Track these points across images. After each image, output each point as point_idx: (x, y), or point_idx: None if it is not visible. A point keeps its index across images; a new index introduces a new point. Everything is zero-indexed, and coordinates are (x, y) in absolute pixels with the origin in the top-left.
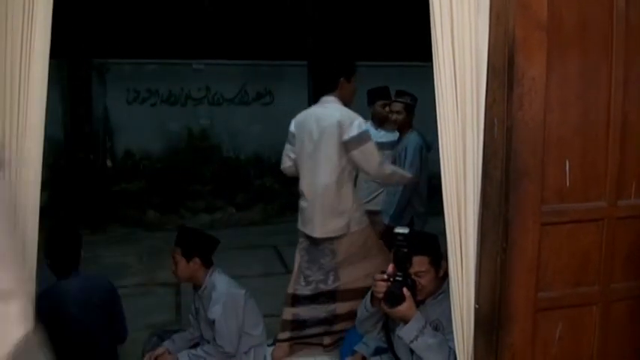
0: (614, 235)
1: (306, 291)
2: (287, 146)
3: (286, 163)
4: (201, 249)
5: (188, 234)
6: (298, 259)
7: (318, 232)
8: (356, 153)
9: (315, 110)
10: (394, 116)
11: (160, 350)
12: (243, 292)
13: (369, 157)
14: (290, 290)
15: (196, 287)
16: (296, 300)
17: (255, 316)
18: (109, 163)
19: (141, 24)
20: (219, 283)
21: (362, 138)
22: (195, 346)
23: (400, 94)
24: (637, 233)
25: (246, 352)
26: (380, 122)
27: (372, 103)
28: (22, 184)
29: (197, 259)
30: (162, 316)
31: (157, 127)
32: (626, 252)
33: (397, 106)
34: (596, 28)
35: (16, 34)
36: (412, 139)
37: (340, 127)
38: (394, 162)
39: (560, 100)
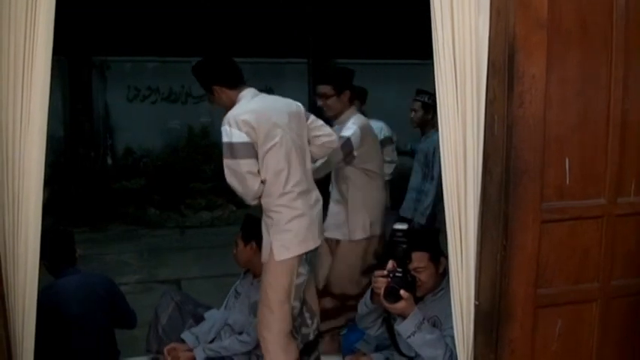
0: (614, 232)
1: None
2: None
3: None
4: (259, 236)
5: (251, 220)
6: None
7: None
8: None
9: None
10: (412, 114)
11: (178, 346)
12: None
13: None
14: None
15: (254, 275)
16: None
17: None
18: (109, 160)
19: (141, 22)
20: None
21: None
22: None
23: (419, 92)
24: (636, 231)
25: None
26: None
27: None
28: (25, 179)
29: (254, 244)
30: None
31: (158, 125)
32: (626, 249)
33: (415, 105)
34: (595, 26)
35: (20, 28)
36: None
37: None
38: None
39: (560, 98)
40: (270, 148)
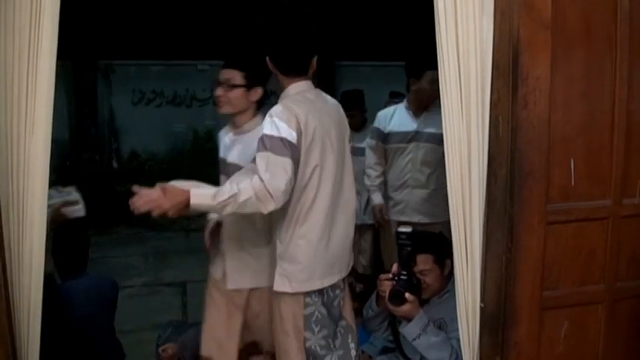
0: (620, 233)
1: None
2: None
3: None
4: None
5: None
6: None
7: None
8: None
9: None
10: None
11: (169, 345)
12: None
13: None
14: None
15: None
16: None
17: None
18: (114, 164)
19: (145, 25)
20: None
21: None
22: None
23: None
24: None
25: None
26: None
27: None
28: (30, 182)
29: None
30: (168, 316)
31: (163, 128)
32: (632, 251)
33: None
34: (600, 27)
35: (24, 31)
36: None
37: None
38: None
39: (565, 99)
40: (304, 167)
